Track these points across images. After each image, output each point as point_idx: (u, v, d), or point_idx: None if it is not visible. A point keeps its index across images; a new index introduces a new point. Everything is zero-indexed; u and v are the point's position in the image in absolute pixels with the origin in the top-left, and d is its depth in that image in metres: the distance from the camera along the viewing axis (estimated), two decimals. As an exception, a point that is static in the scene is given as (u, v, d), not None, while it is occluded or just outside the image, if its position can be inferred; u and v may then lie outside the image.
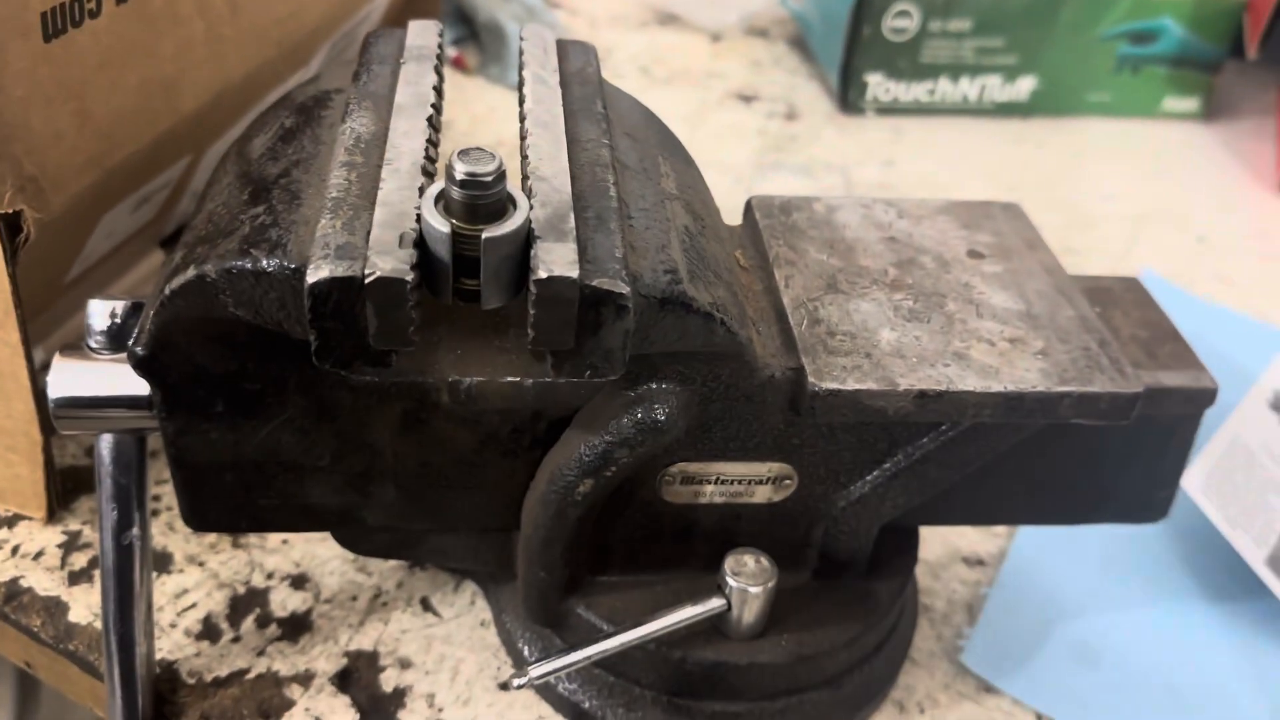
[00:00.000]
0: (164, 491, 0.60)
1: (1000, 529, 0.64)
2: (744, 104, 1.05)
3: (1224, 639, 0.60)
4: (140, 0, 0.52)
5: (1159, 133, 1.06)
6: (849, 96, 1.04)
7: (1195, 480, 0.62)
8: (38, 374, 0.54)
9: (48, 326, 0.63)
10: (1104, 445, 0.51)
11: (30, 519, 0.58)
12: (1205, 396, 0.49)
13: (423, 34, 0.48)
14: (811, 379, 0.43)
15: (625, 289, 0.38)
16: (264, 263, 0.38)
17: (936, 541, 0.62)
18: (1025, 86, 1.04)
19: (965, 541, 0.63)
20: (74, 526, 0.58)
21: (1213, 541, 0.61)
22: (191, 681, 0.52)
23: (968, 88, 1.04)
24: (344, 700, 0.52)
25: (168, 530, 0.59)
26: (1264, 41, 0.98)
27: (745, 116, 1.03)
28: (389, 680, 0.53)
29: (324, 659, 0.54)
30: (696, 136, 0.46)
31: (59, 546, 0.57)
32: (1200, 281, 0.87)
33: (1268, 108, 1.10)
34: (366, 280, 0.35)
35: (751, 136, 1.00)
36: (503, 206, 0.37)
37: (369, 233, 0.37)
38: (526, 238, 0.37)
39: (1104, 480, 0.52)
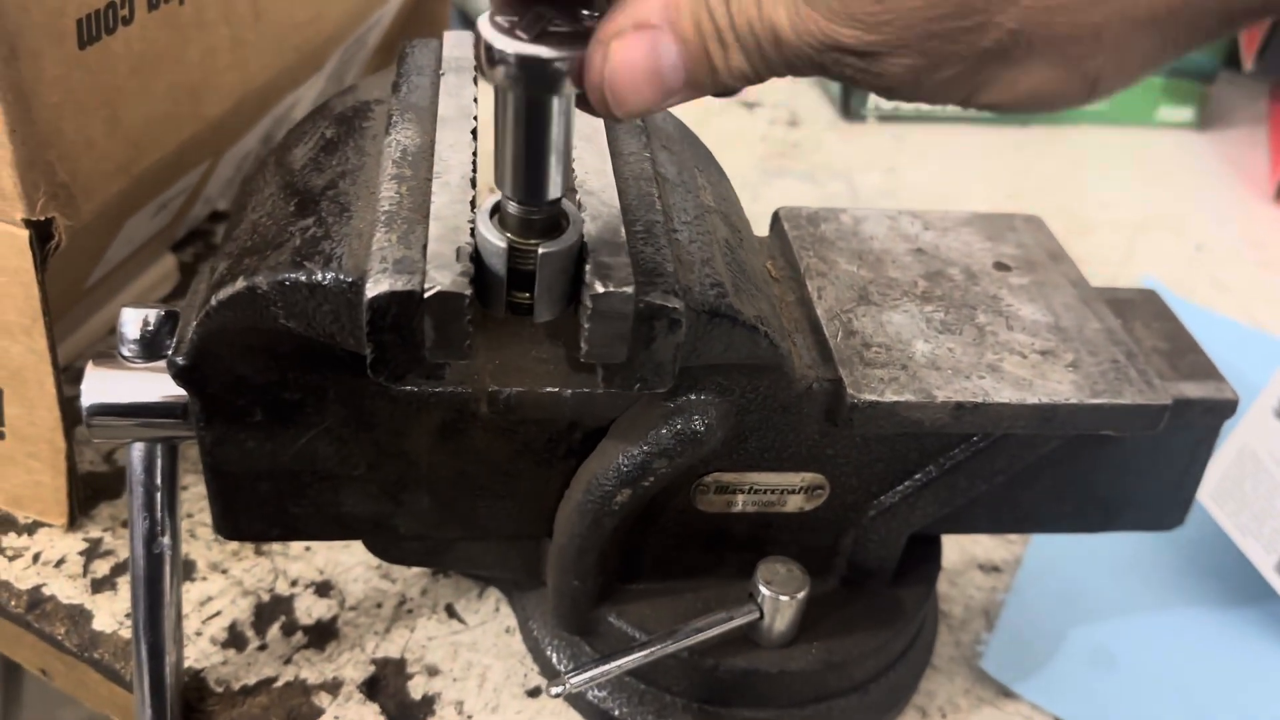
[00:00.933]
0: (185, 498, 0.60)
1: (1015, 535, 0.65)
2: (746, 110, 1.06)
3: (1236, 643, 0.61)
4: (170, 7, 0.52)
5: (1155, 141, 1.07)
6: (850, 103, 1.05)
7: (1206, 488, 0.63)
8: (62, 381, 0.53)
9: (65, 331, 0.62)
10: (1126, 455, 0.52)
11: (51, 526, 0.58)
12: (1226, 407, 0.50)
13: (460, 45, 0.48)
14: (850, 390, 0.44)
15: (679, 303, 0.38)
16: (319, 275, 0.38)
17: (953, 549, 0.63)
18: (1024, 95, 1.05)
19: (981, 548, 0.64)
20: (95, 534, 0.58)
21: (1224, 548, 0.62)
22: (219, 690, 0.52)
23: (967, 95, 1.05)
24: (373, 708, 0.52)
25: (189, 537, 0.59)
26: (1260, 53, 0.99)
27: (748, 123, 1.04)
28: (417, 688, 0.53)
29: (351, 667, 0.54)
30: (717, 145, 0.47)
31: (80, 554, 0.57)
32: (1199, 289, 0.89)
33: (1260, 118, 1.12)
34: (426, 294, 0.36)
35: (755, 143, 1.01)
36: (556, 221, 0.38)
37: (425, 246, 0.37)
38: (580, 252, 0.38)
39: (1125, 489, 0.53)
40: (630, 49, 0.32)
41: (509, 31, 0.32)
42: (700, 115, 1.03)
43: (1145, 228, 0.96)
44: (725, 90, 0.33)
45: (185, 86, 0.55)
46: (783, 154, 0.99)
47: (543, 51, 0.32)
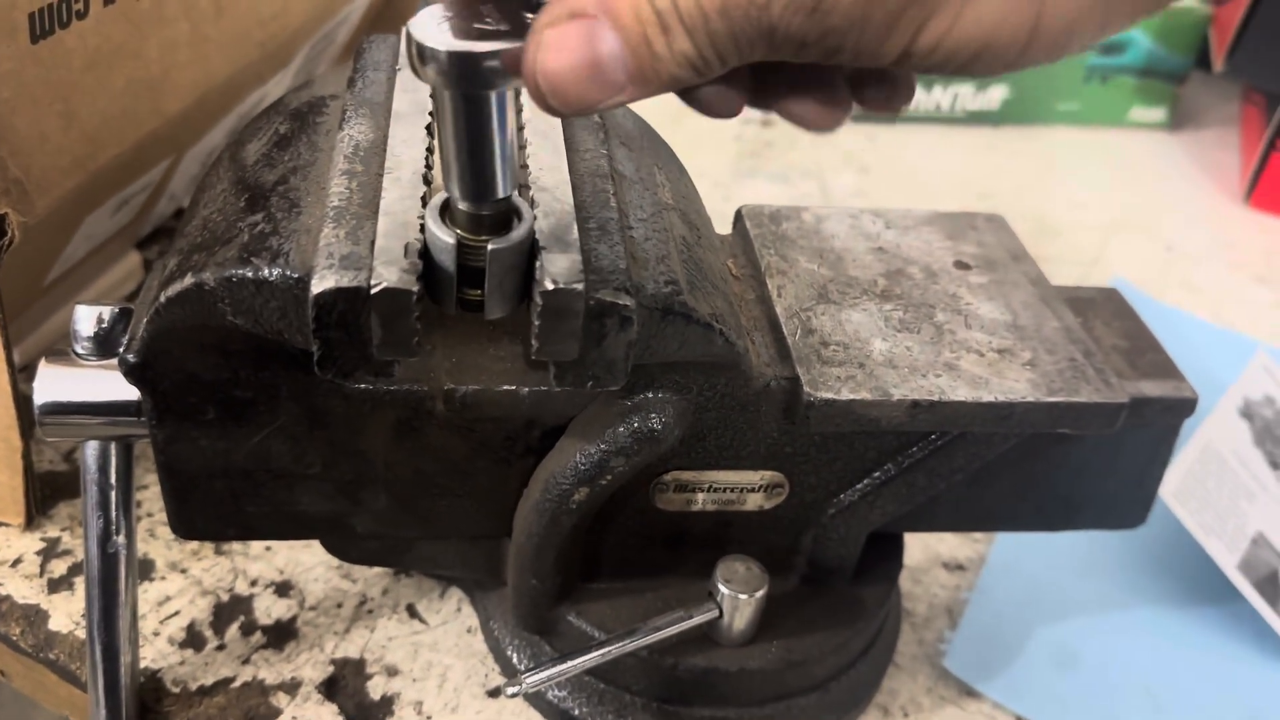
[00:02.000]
0: (144, 498, 0.59)
1: (979, 534, 0.65)
2: (720, 109, 1.06)
3: (1199, 642, 0.61)
4: (127, 1, 0.51)
5: (1126, 142, 1.08)
6: (824, 103, 1.05)
7: (1169, 487, 0.63)
8: (18, 379, 0.53)
9: (25, 329, 0.62)
10: (1086, 454, 0.52)
11: (8, 525, 0.58)
12: (1185, 406, 0.51)
13: (417, 40, 0.47)
14: (807, 389, 0.44)
15: (630, 301, 0.38)
16: (266, 271, 0.37)
17: (917, 546, 0.63)
18: (996, 95, 1.06)
19: (945, 546, 0.64)
20: (53, 533, 0.58)
21: (1186, 547, 0.63)
22: (176, 690, 0.52)
23: (940, 96, 1.05)
24: (331, 708, 0.52)
25: (149, 537, 0.58)
26: (1229, 54, 1.00)
27: (720, 123, 1.03)
28: (376, 688, 0.53)
29: (310, 667, 0.53)
30: (673, 143, 0.46)
31: (38, 554, 0.57)
32: (1169, 289, 0.89)
33: (1231, 119, 1.12)
34: (372, 291, 0.35)
35: (728, 143, 1.00)
36: (507, 218, 0.37)
37: (373, 242, 0.37)
38: (531, 249, 0.38)
39: (1086, 488, 0.53)
40: (564, 38, 0.30)
41: (441, 26, 0.32)
42: (673, 114, 1.03)
43: (1116, 228, 0.96)
44: (676, 83, 0.32)
45: (144, 82, 0.54)
46: (755, 154, 0.99)
47: (471, 47, 0.31)
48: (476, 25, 0.32)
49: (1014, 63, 0.31)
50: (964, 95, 1.05)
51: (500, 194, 0.36)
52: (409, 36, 0.32)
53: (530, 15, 0.33)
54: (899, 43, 0.31)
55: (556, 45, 0.31)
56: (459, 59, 0.31)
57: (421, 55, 0.31)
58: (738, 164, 0.98)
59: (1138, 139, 1.08)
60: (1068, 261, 0.90)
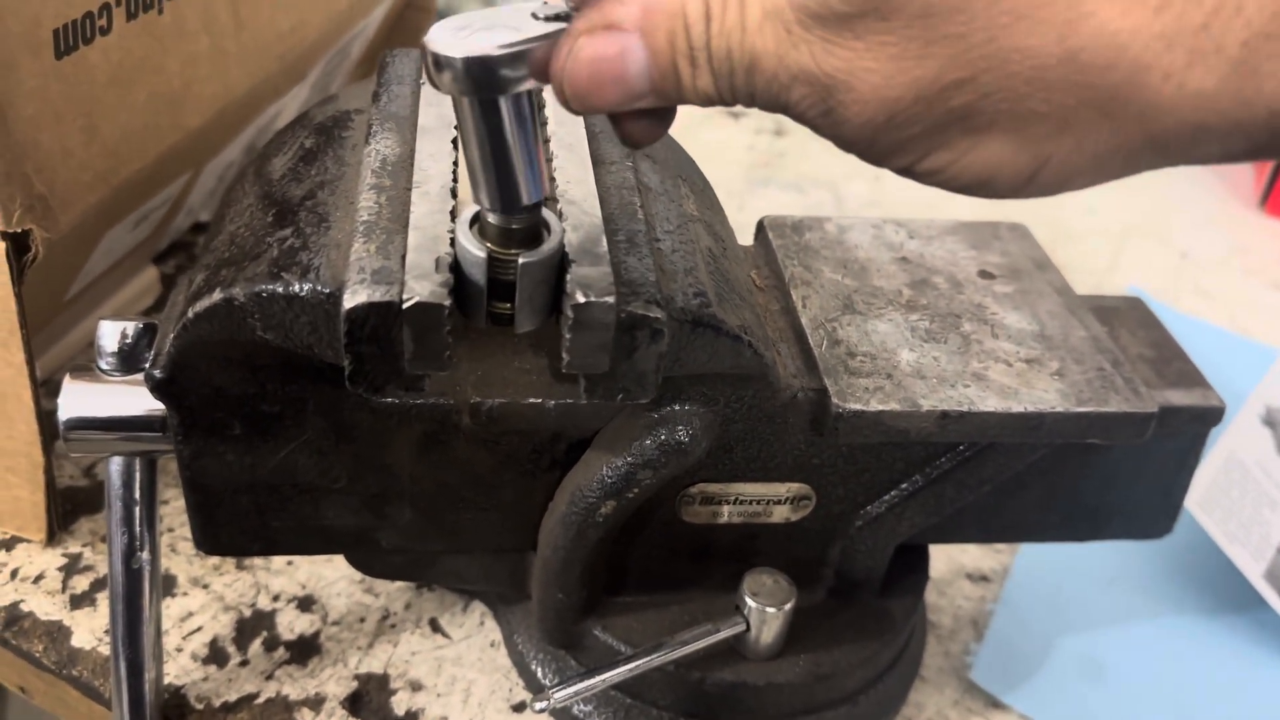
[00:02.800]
0: (166, 513, 0.59)
1: (1003, 545, 0.64)
2: (733, 120, 1.06)
3: (1225, 652, 0.60)
4: (149, 16, 0.51)
5: (1139, 150, 1.07)
6: (836, 112, 1.04)
7: (1194, 496, 0.63)
8: (40, 394, 0.53)
9: (44, 344, 0.62)
10: (1113, 464, 0.52)
11: (30, 541, 0.57)
12: (1213, 415, 0.50)
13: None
14: (835, 400, 0.44)
15: (661, 313, 0.38)
16: (296, 286, 0.37)
17: (941, 558, 0.63)
18: (1009, 103, 1.06)
19: (969, 558, 0.63)
20: (74, 549, 0.57)
21: (1212, 556, 0.62)
22: (200, 707, 0.51)
23: (953, 104, 1.05)
24: (356, 724, 0.51)
25: (170, 552, 0.58)
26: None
27: (734, 133, 1.04)
28: (400, 703, 0.52)
29: (334, 682, 0.53)
30: (700, 154, 0.47)
31: (60, 570, 0.56)
32: (1184, 297, 0.89)
33: (1243, 125, 1.12)
34: (405, 305, 0.35)
35: (741, 153, 1.00)
36: (537, 231, 0.37)
37: (404, 257, 0.37)
38: (561, 262, 0.37)
39: (1112, 498, 0.53)
40: (597, 46, 0.32)
41: (454, 35, 0.32)
42: (686, 125, 1.03)
43: (1130, 236, 0.96)
44: (691, 102, 0.34)
45: (165, 96, 0.54)
46: (768, 164, 0.99)
47: (485, 51, 0.32)
48: (489, 35, 0.32)
49: (1011, 195, 0.32)
50: (976, 104, 1.05)
51: (527, 201, 0.36)
52: (425, 49, 0.32)
53: (544, 16, 0.33)
54: (901, 163, 0.32)
55: (589, 53, 0.32)
56: (473, 63, 0.31)
57: (438, 64, 0.32)
58: (750, 174, 0.97)
59: (1150, 146, 1.08)
60: (1082, 270, 0.90)
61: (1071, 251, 0.91)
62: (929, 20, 0.29)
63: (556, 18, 0.33)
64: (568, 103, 0.33)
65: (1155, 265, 0.92)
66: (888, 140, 0.31)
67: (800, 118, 0.32)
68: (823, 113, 0.31)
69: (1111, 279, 0.89)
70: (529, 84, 0.33)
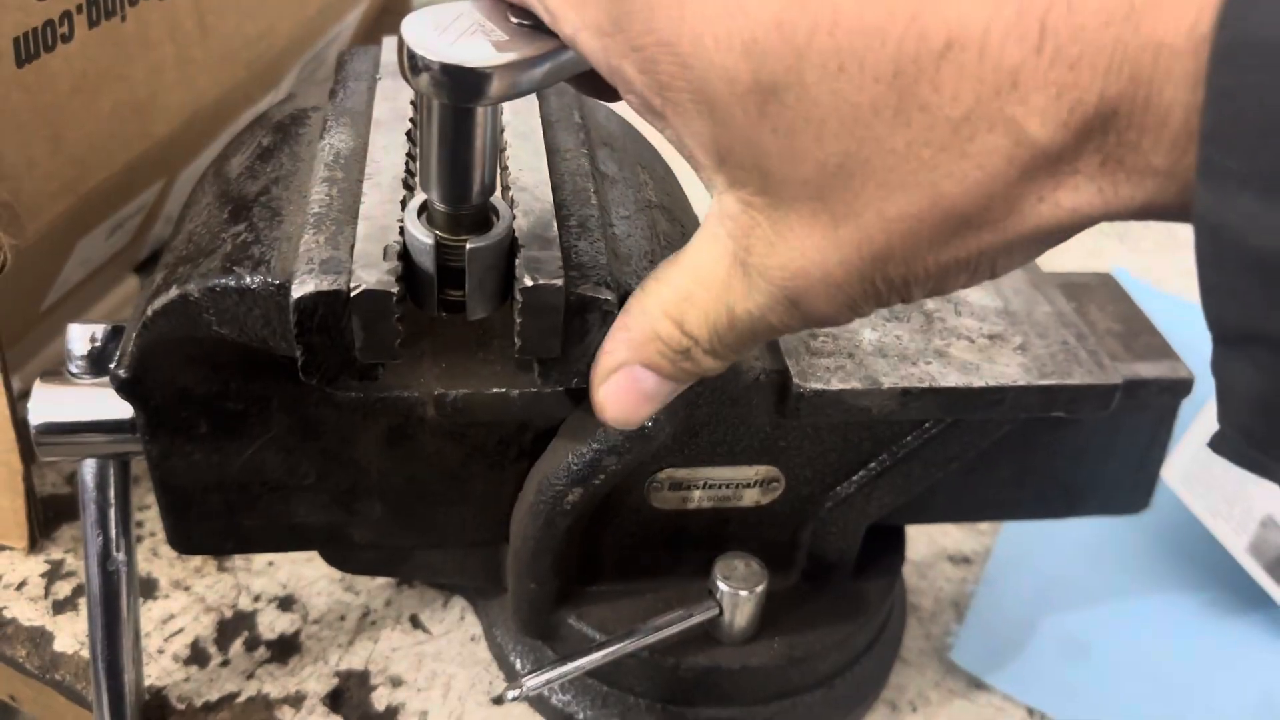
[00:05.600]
0: (146, 517, 0.60)
1: (984, 526, 0.64)
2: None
3: (1208, 627, 0.60)
4: (112, 24, 0.52)
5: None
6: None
7: (1175, 471, 0.62)
8: (17, 402, 0.53)
9: (24, 355, 0.62)
10: (1085, 438, 0.51)
11: (11, 549, 0.58)
12: (1182, 387, 0.50)
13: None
14: (796, 380, 0.44)
15: (610, 295, 0.38)
16: (248, 280, 0.37)
17: (922, 540, 0.63)
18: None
19: (950, 540, 0.63)
20: (57, 555, 0.58)
21: (1194, 531, 0.62)
22: (181, 707, 0.52)
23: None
24: (336, 720, 0.52)
25: (152, 556, 0.58)
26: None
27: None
28: (381, 699, 0.53)
29: (314, 680, 0.53)
30: (658, 144, 0.46)
31: (42, 576, 0.57)
32: (1170, 278, 0.88)
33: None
34: (352, 293, 0.35)
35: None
36: (486, 217, 0.37)
37: (353, 247, 0.37)
38: (510, 247, 0.38)
39: (1086, 473, 0.53)
40: (618, 391, 0.37)
41: (435, 35, 0.31)
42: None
43: (1116, 223, 0.95)
44: (714, 374, 0.37)
45: (131, 104, 0.55)
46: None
47: (467, 59, 0.31)
48: (472, 40, 0.32)
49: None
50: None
51: (476, 198, 0.36)
52: (402, 42, 0.31)
53: (518, 21, 0.32)
54: (927, 295, 0.32)
55: (615, 399, 0.38)
56: (458, 72, 0.31)
57: (414, 65, 0.31)
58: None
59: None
60: (1069, 251, 0.89)
61: (1055, 235, 0.91)
62: (822, 198, 0.29)
63: (534, 25, 0.32)
64: (621, 430, 0.41)
65: (1142, 246, 0.92)
66: (881, 299, 0.31)
67: (798, 329, 0.34)
68: (802, 318, 0.32)
69: (1099, 261, 0.89)
70: (505, 98, 0.32)
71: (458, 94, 0.32)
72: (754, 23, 0.28)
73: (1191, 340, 0.55)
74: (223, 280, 0.38)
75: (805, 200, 0.29)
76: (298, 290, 0.36)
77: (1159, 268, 0.89)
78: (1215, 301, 0.26)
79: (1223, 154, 0.24)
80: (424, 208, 0.38)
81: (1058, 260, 0.85)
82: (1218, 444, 0.28)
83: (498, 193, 0.39)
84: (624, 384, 0.37)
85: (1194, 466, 0.63)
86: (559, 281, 0.36)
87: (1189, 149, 0.25)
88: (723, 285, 0.33)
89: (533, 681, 0.46)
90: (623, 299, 0.39)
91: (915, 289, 0.31)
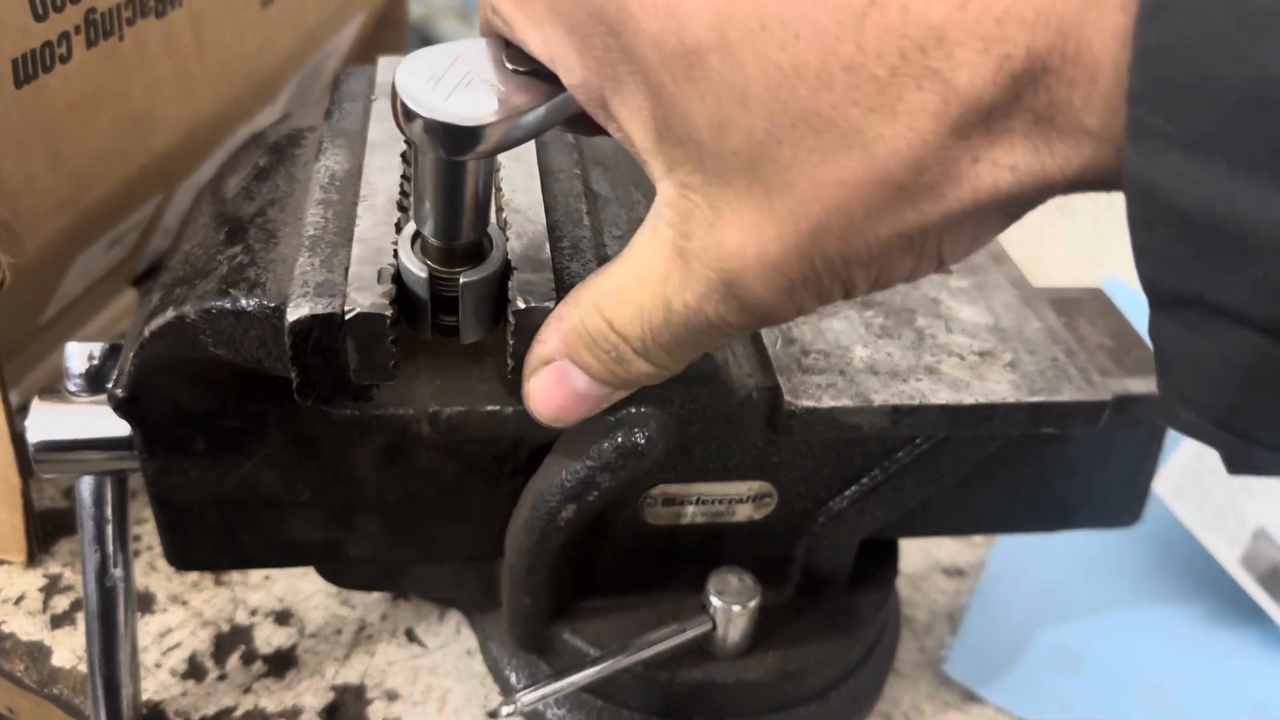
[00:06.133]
0: (144, 531, 0.60)
1: (978, 538, 0.65)
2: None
3: (1201, 639, 0.61)
4: (110, 43, 0.52)
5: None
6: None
7: (1167, 484, 0.63)
8: (15, 417, 0.54)
9: (22, 369, 0.62)
10: (1076, 453, 0.52)
11: (10, 563, 0.58)
12: (1172, 402, 0.50)
13: (392, 70, 0.48)
14: (788, 398, 0.44)
15: (602, 317, 0.38)
16: (243, 302, 0.38)
17: (916, 553, 0.63)
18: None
19: (944, 552, 0.64)
20: (55, 570, 0.58)
21: (1186, 544, 0.62)
22: (178, 721, 0.52)
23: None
24: (333, 734, 0.52)
25: (149, 570, 0.59)
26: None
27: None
28: (376, 713, 0.53)
29: (311, 694, 0.53)
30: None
31: (40, 590, 0.57)
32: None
33: (1223, 114, 1.12)
34: (346, 316, 0.36)
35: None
36: (479, 247, 0.38)
37: (347, 269, 0.37)
38: (504, 274, 0.38)
39: (1078, 487, 0.53)
40: (547, 384, 0.36)
41: (428, 87, 0.31)
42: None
43: (1108, 227, 0.96)
44: (652, 381, 0.36)
45: (129, 121, 0.55)
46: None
47: (458, 116, 0.31)
48: (466, 93, 0.31)
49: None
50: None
51: (470, 236, 0.36)
52: (395, 92, 0.31)
53: (513, 67, 0.32)
54: (874, 283, 0.31)
55: (542, 393, 0.36)
56: (446, 129, 0.31)
57: (407, 115, 0.31)
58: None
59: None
60: (1060, 262, 0.90)
61: (1049, 246, 0.92)
62: (754, 169, 0.28)
63: (529, 72, 0.32)
64: (550, 425, 0.37)
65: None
66: (822, 285, 0.30)
67: (735, 330, 0.32)
68: (739, 309, 0.31)
69: (1092, 272, 0.90)
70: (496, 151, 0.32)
71: (450, 148, 0.32)
72: None
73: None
74: (218, 303, 0.38)
75: (738, 173, 0.28)
76: (293, 313, 0.36)
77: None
78: (1148, 265, 0.25)
79: (1151, 113, 0.23)
80: (417, 236, 0.38)
81: (1050, 271, 0.86)
82: (1159, 411, 0.28)
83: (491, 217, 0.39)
84: (552, 380, 0.36)
85: (1186, 479, 0.63)
86: (551, 304, 0.37)
87: (1120, 109, 0.25)
88: (660, 279, 0.32)
89: (527, 697, 0.46)
90: (615, 320, 0.40)
91: (856, 272, 0.29)
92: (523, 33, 0.32)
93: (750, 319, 0.31)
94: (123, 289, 0.72)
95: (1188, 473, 0.63)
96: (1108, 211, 1.00)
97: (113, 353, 0.46)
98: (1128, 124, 0.24)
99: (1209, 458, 0.63)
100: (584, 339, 0.34)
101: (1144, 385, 0.50)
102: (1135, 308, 0.57)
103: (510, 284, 0.37)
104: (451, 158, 0.32)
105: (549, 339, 0.35)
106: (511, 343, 0.38)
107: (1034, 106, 0.26)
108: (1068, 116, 0.26)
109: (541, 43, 0.31)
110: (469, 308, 0.37)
